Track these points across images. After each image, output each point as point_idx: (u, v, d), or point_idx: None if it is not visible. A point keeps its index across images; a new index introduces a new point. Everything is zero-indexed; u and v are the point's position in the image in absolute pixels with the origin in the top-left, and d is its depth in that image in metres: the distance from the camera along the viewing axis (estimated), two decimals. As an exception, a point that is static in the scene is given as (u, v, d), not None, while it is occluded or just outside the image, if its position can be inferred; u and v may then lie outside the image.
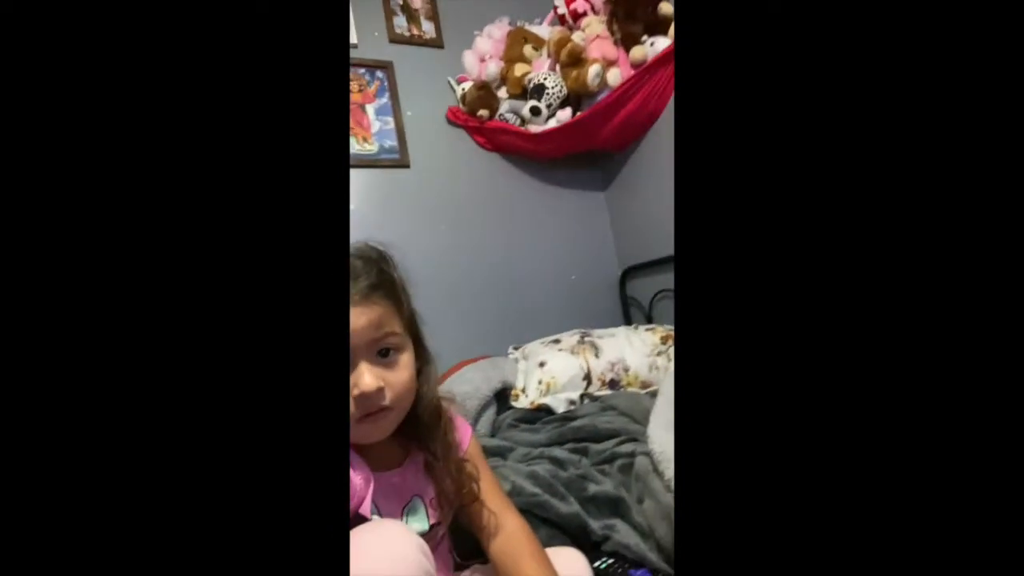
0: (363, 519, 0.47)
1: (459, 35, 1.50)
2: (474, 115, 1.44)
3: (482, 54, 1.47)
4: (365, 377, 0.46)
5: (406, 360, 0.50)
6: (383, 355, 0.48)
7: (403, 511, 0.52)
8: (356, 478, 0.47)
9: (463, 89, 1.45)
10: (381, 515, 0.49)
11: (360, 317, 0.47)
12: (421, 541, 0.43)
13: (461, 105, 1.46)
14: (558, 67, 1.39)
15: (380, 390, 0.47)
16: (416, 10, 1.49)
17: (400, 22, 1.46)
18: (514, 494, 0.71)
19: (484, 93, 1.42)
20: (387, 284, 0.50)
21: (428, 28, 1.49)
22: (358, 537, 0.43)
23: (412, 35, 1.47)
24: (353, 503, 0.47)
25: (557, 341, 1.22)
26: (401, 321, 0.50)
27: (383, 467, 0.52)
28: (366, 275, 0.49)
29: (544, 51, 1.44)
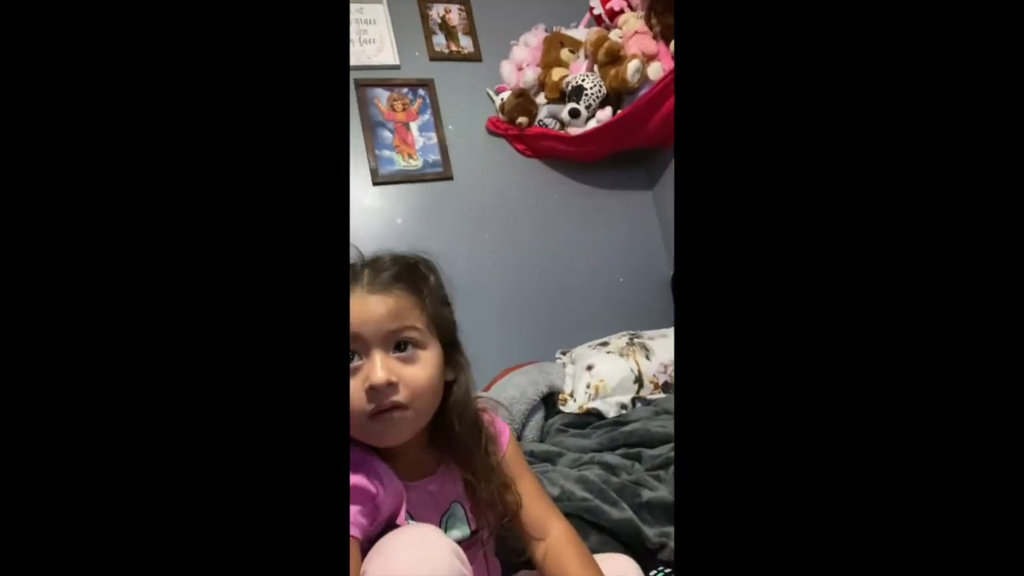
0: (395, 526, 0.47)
1: (496, 46, 1.53)
2: (513, 123, 1.45)
3: (519, 62, 1.48)
4: (377, 369, 0.44)
5: (427, 358, 0.47)
6: (400, 349, 0.46)
7: (442, 519, 0.51)
8: (386, 492, 0.46)
9: (501, 99, 1.47)
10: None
11: (378, 306, 0.45)
12: (454, 544, 0.42)
13: (500, 114, 1.48)
14: (596, 67, 1.37)
15: (392, 384, 0.45)
16: (454, 27, 1.54)
17: (439, 40, 1.51)
18: (563, 499, 0.69)
19: (522, 100, 1.43)
20: (411, 278, 0.49)
21: (466, 43, 1.54)
22: (390, 541, 0.42)
23: (451, 51, 1.51)
24: (386, 513, 0.47)
25: (605, 344, 1.18)
26: (423, 317, 0.48)
27: (417, 476, 0.51)
28: (390, 269, 0.48)
29: (581, 53, 1.43)
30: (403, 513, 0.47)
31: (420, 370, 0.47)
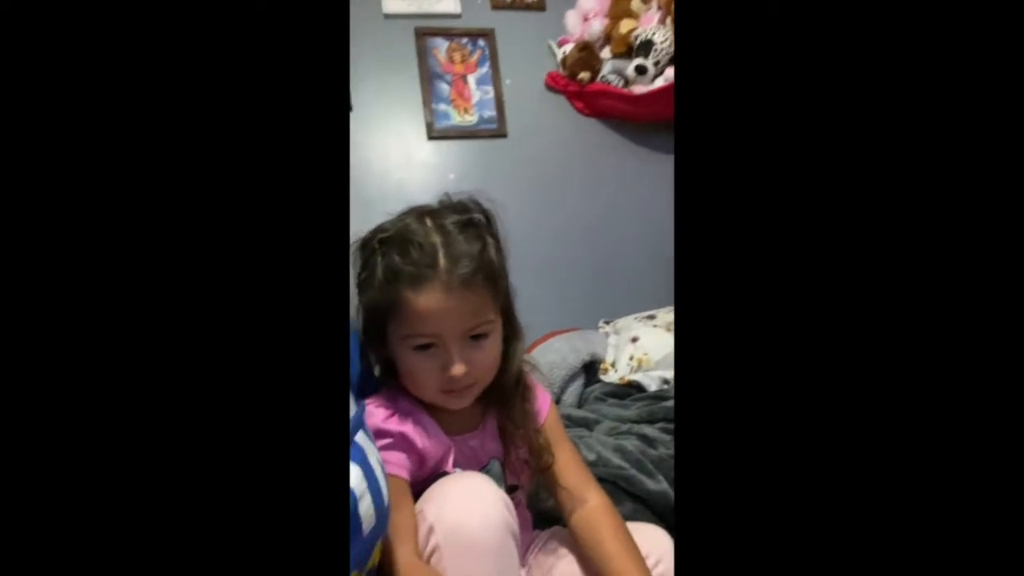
0: (446, 475, 0.49)
1: (562, -5, 1.44)
2: (574, 78, 1.38)
3: (585, 12, 1.39)
4: (456, 365, 0.45)
5: (494, 340, 0.49)
6: (476, 339, 0.47)
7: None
8: (432, 445, 0.48)
9: (563, 52, 1.40)
10: None
11: (458, 307, 0.45)
12: (506, 496, 0.43)
13: (561, 69, 1.41)
14: (668, 20, 1.26)
15: (468, 374, 0.46)
16: (519, -28, 1.46)
17: (503, -13, 1.44)
18: (599, 465, 0.70)
19: (585, 54, 1.35)
20: (488, 265, 0.47)
21: (531, -10, 1.45)
22: (444, 486, 0.44)
23: (515, 0, 1.44)
24: (431, 464, 0.49)
25: (652, 317, 1.15)
26: (496, 305, 0.48)
27: (461, 430, 0.52)
28: (468, 258, 0.45)
29: (654, 3, 1.32)
30: (450, 461, 0.49)
31: (488, 353, 0.49)
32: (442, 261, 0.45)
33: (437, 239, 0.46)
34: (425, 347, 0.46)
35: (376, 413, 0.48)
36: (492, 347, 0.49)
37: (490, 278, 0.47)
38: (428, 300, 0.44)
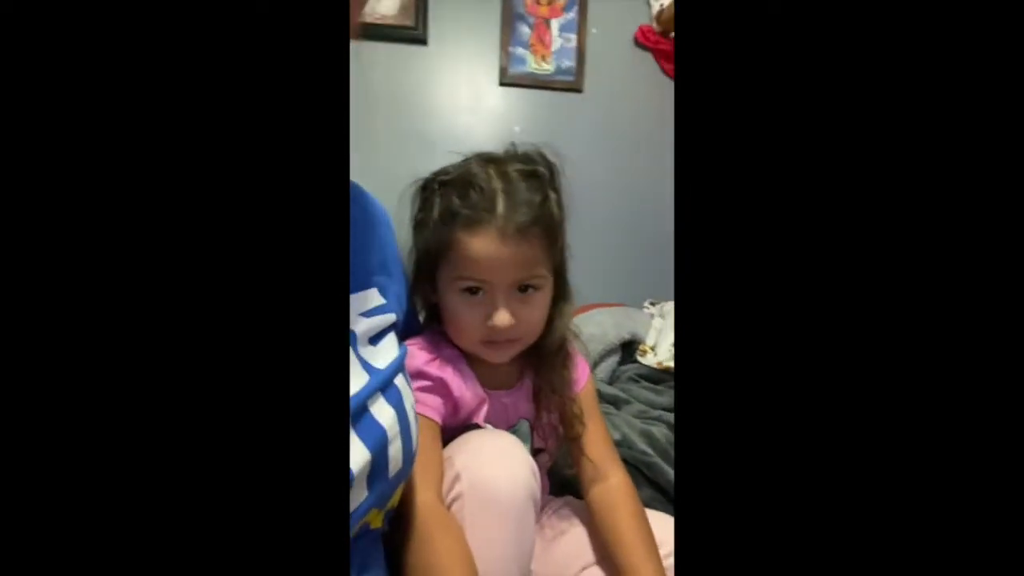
0: (476, 427, 0.49)
1: (671, -63, 1.29)
2: (667, 36, 1.26)
3: (694, -39, 1.25)
4: (501, 314, 0.45)
5: (542, 298, 0.48)
6: (523, 291, 0.47)
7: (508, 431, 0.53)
8: (468, 395, 0.48)
9: (661, 4, 1.27)
10: None
11: (511, 255, 0.44)
12: (533, 462, 0.43)
13: (655, 24, 1.29)
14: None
15: (512, 327, 0.46)
16: (627, -94, 1.31)
17: (606, -78, 1.31)
18: (623, 446, 0.68)
19: (685, 9, 1.23)
20: (547, 218, 0.46)
21: (636, -71, 1.31)
22: (477, 439, 0.44)
23: (616, -62, 1.31)
24: (464, 414, 0.49)
25: (704, 306, 1.09)
26: (550, 262, 0.48)
27: (497, 386, 0.52)
28: (527, 206, 0.44)
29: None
30: (482, 414, 0.49)
31: (536, 309, 0.48)
32: (500, 206, 0.44)
33: (498, 185, 0.45)
34: (473, 291, 0.46)
35: (418, 355, 0.48)
36: (540, 304, 0.48)
37: (547, 231, 0.46)
38: (482, 244, 0.44)
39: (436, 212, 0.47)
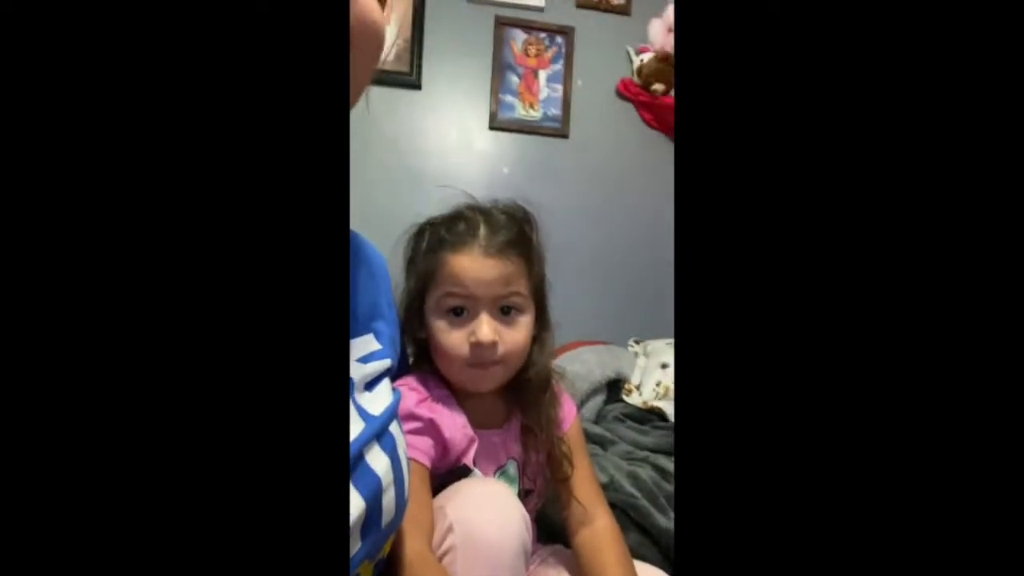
0: (467, 471, 0.49)
1: (650, 3, 1.40)
2: (647, 89, 1.35)
3: (671, 24, 1.35)
4: (484, 328, 0.47)
5: (525, 322, 0.50)
6: (504, 312, 0.49)
7: (496, 472, 0.53)
8: (458, 436, 0.49)
9: (642, 60, 1.36)
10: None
11: (492, 270, 0.48)
12: (524, 512, 0.43)
13: (635, 77, 1.38)
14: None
15: (494, 344, 0.47)
16: (609, -27, 1.42)
17: (591, -15, 1.41)
18: (610, 489, 0.68)
19: (664, 66, 1.32)
20: (524, 243, 0.51)
21: (618, -7, 1.42)
22: (468, 488, 0.44)
23: (600, 0, 1.41)
24: (453, 456, 0.49)
25: (687, 346, 1.12)
26: (529, 283, 0.50)
27: (486, 425, 0.52)
28: (506, 231, 0.50)
29: (745, 23, 1.26)
30: (471, 456, 0.49)
31: (518, 332, 0.50)
32: (482, 230, 0.49)
33: (481, 217, 0.51)
34: (458, 312, 0.48)
35: (409, 396, 0.48)
36: (522, 327, 0.50)
37: (525, 254, 0.51)
38: (465, 260, 0.48)
39: (425, 244, 0.52)
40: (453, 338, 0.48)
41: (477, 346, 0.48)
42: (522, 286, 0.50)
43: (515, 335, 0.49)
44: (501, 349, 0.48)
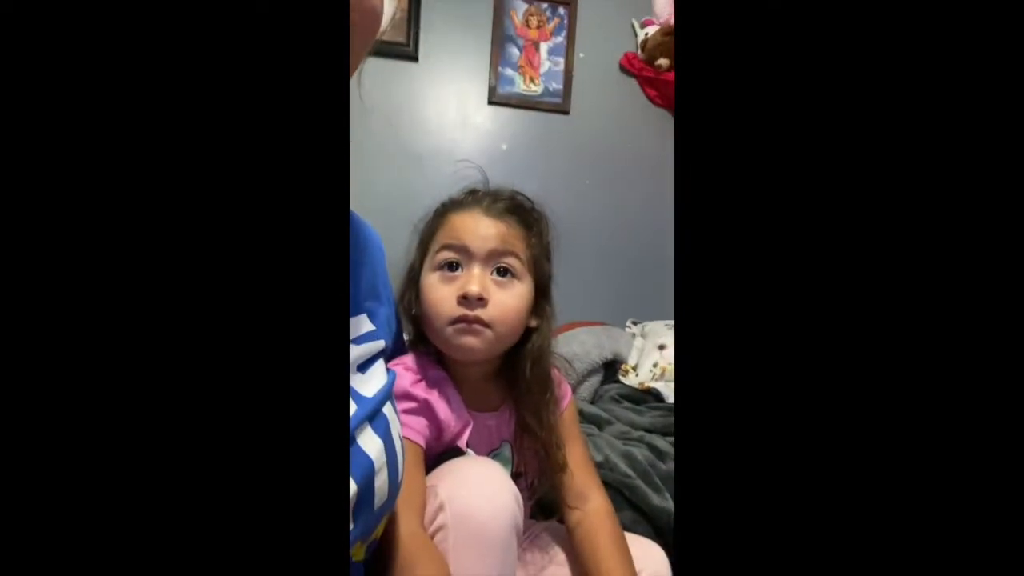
0: (460, 453, 0.49)
1: (656, -29, 1.34)
2: (651, 63, 1.31)
3: (678, -6, 1.30)
4: (474, 280, 0.47)
5: (519, 290, 0.49)
6: (500, 274, 0.49)
7: (490, 454, 0.53)
8: (453, 417, 0.49)
9: (646, 33, 1.32)
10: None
11: (490, 227, 0.49)
12: (516, 490, 0.43)
13: (639, 52, 1.34)
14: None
15: (482, 299, 0.47)
16: (615, -61, 1.36)
17: (595, -48, 1.35)
18: (605, 468, 0.69)
19: (669, 40, 1.27)
20: (524, 215, 0.52)
21: (623, -39, 1.36)
22: (461, 467, 0.44)
23: (604, -32, 1.35)
24: (448, 437, 0.49)
25: (684, 327, 1.12)
26: (526, 251, 0.50)
27: (481, 408, 0.52)
28: (508, 200, 0.51)
29: None
30: (465, 437, 0.49)
31: (510, 297, 0.49)
32: (484, 196, 0.52)
33: (485, 190, 0.54)
34: (452, 268, 0.49)
35: (405, 376, 0.48)
36: (515, 294, 0.49)
37: (525, 224, 0.51)
38: (465, 216, 0.50)
39: (432, 214, 0.53)
40: (443, 292, 0.48)
41: (464, 299, 0.46)
42: (519, 250, 0.49)
43: (506, 298, 0.48)
44: (491, 310, 0.47)
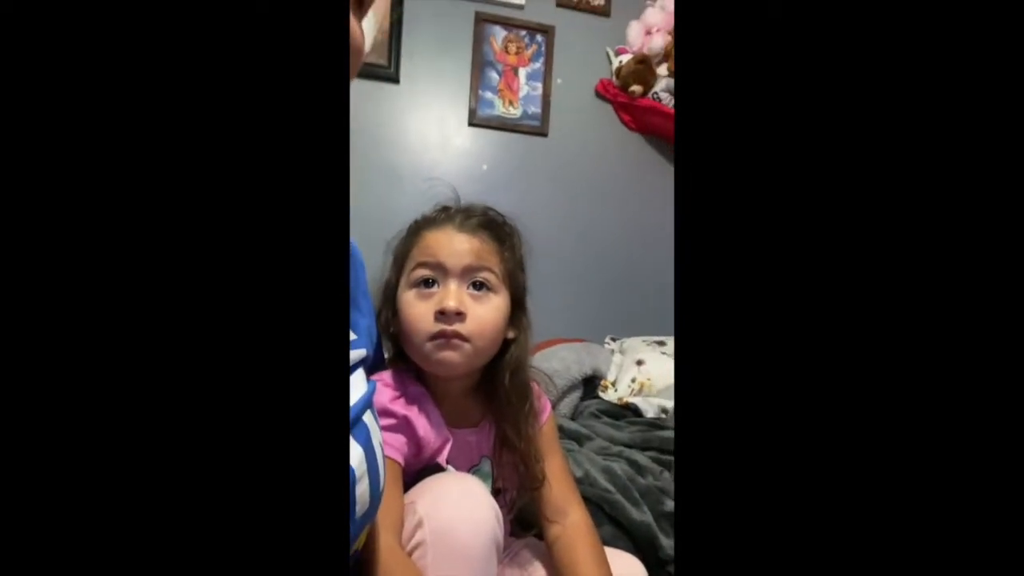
0: (440, 470, 0.48)
1: (630, 4, 1.42)
2: (625, 90, 1.36)
3: (650, 26, 1.37)
4: (451, 295, 0.47)
5: (496, 304, 0.50)
6: (476, 288, 0.49)
7: (470, 470, 0.52)
8: (432, 436, 0.48)
9: (620, 61, 1.38)
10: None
11: (464, 243, 0.49)
12: (497, 506, 0.42)
13: (614, 79, 1.39)
14: (733, 48, 1.24)
15: (460, 314, 0.47)
16: (589, -26, 1.43)
17: (571, -15, 1.42)
18: (585, 483, 0.69)
19: (642, 68, 1.33)
20: (497, 230, 0.52)
21: (598, -6, 1.43)
22: (440, 483, 0.44)
23: (580, 0, 1.42)
24: (427, 454, 0.49)
25: (662, 343, 1.14)
26: (500, 265, 0.51)
27: (460, 424, 0.52)
28: (481, 216, 0.52)
29: (720, 29, 1.29)
30: (444, 455, 0.49)
31: (487, 311, 0.49)
32: (456, 213, 0.52)
33: (457, 207, 0.54)
34: (428, 284, 0.49)
35: (384, 392, 0.47)
36: (493, 310, 0.50)
37: (499, 239, 0.52)
38: (439, 233, 0.50)
39: (406, 232, 0.53)
40: (419, 309, 0.48)
41: (442, 314, 0.47)
42: (494, 264, 0.50)
43: (484, 312, 0.48)
44: (469, 324, 0.47)
